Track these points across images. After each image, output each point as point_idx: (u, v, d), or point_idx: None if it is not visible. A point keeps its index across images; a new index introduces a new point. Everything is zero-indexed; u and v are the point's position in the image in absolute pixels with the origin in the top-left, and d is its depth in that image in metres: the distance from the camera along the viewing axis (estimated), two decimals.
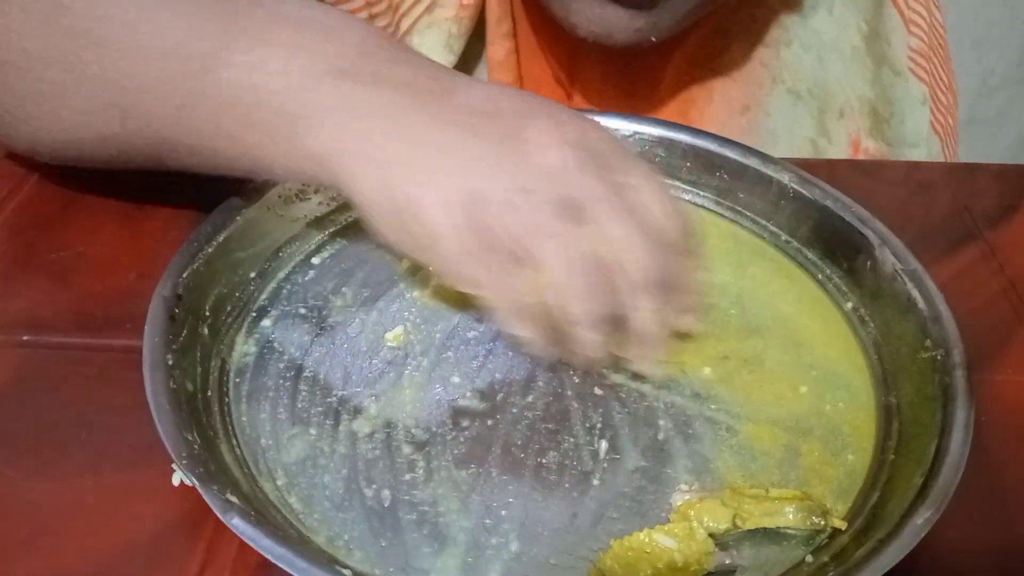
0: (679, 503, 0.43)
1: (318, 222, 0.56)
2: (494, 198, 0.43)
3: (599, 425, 0.46)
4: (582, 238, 0.43)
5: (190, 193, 0.58)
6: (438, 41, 0.72)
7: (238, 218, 0.52)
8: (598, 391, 0.48)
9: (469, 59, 0.76)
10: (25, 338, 0.51)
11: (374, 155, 0.43)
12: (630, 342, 0.46)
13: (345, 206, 0.56)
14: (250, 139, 0.46)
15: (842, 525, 0.42)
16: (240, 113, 0.46)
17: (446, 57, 0.72)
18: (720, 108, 0.76)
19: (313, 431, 0.45)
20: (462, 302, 0.53)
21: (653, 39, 0.65)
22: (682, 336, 0.49)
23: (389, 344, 0.50)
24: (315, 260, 0.54)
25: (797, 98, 0.76)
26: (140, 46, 0.48)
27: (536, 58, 0.77)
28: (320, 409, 0.46)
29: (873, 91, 0.77)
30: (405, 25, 0.73)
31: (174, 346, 0.45)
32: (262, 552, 0.37)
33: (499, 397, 0.48)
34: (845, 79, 0.77)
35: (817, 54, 0.76)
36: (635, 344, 0.47)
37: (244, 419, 0.46)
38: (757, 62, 0.76)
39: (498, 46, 0.74)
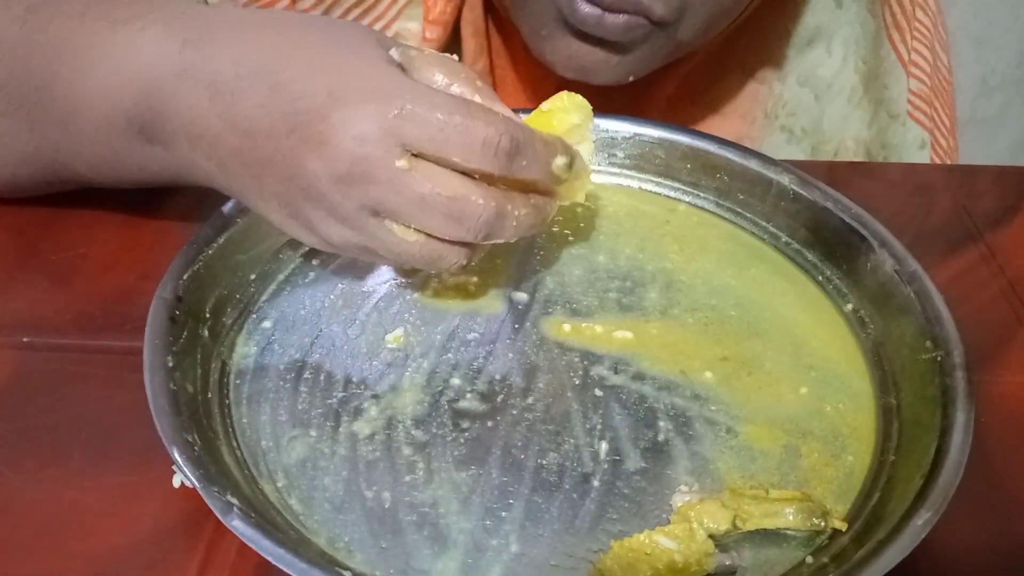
0: (679, 504, 0.43)
1: None
2: (316, 220, 0.46)
3: (599, 426, 0.46)
4: (400, 235, 0.45)
5: (190, 195, 0.58)
6: None
7: (238, 220, 0.52)
8: (598, 392, 0.48)
9: None
10: (25, 339, 0.51)
11: (217, 160, 0.47)
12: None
13: None
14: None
15: (842, 526, 0.42)
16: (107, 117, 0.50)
17: None
18: None
19: (313, 433, 0.45)
20: (462, 303, 0.53)
21: (631, 78, 0.65)
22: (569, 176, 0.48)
23: (389, 346, 0.50)
24: (315, 262, 0.54)
25: (790, 135, 0.76)
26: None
27: (517, 94, 0.77)
28: (320, 411, 0.46)
29: (869, 133, 0.77)
30: None
31: (174, 348, 0.45)
32: (262, 554, 0.37)
33: (499, 399, 0.48)
34: (841, 119, 0.76)
35: (813, 91, 0.76)
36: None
37: (245, 421, 0.46)
38: (750, 97, 0.76)
39: None
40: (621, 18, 0.61)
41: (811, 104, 0.76)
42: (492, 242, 0.46)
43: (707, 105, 0.76)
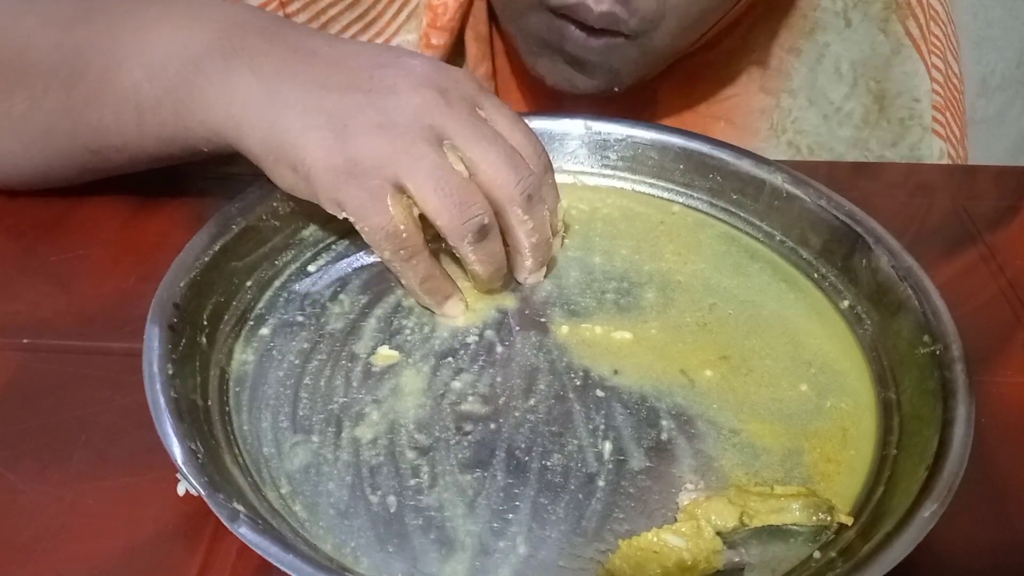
0: (686, 502, 0.43)
1: (313, 230, 0.55)
2: (362, 131, 0.48)
3: (602, 427, 0.46)
4: (448, 160, 0.48)
5: (190, 196, 0.58)
6: None
7: (233, 227, 0.52)
8: (599, 393, 0.48)
9: None
10: (26, 341, 0.50)
11: (256, 119, 0.49)
12: (511, 254, 0.52)
13: None
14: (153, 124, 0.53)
15: (848, 521, 0.42)
16: (138, 106, 0.52)
17: None
18: None
19: (315, 439, 0.45)
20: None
21: (616, 89, 0.67)
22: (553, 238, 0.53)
23: (389, 350, 0.50)
24: (311, 267, 0.54)
25: (796, 151, 0.75)
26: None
27: (518, 100, 0.78)
28: (322, 416, 0.46)
29: (896, 151, 0.76)
30: None
31: (174, 356, 0.44)
32: (271, 561, 0.36)
33: (501, 400, 0.47)
34: (856, 141, 0.76)
35: (822, 112, 0.75)
36: (516, 254, 0.52)
37: (246, 428, 0.45)
38: (756, 108, 0.76)
39: None
40: (601, 39, 0.63)
41: (819, 124, 0.75)
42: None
43: (713, 115, 0.76)
